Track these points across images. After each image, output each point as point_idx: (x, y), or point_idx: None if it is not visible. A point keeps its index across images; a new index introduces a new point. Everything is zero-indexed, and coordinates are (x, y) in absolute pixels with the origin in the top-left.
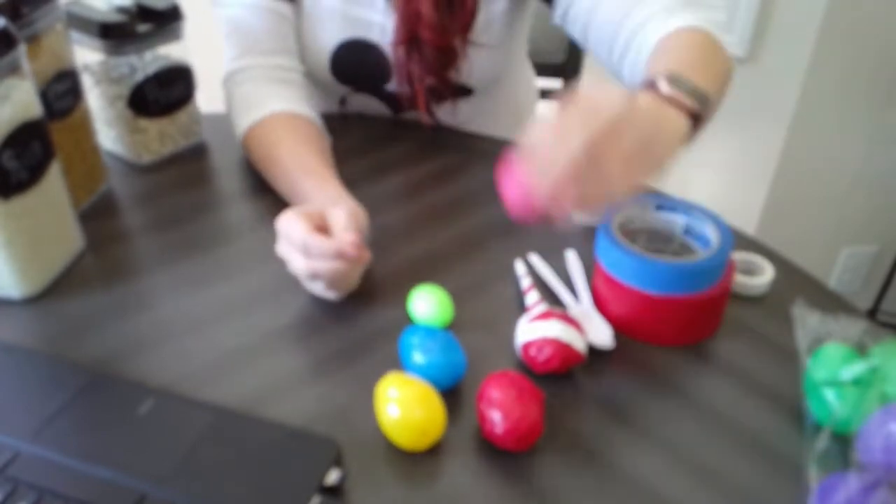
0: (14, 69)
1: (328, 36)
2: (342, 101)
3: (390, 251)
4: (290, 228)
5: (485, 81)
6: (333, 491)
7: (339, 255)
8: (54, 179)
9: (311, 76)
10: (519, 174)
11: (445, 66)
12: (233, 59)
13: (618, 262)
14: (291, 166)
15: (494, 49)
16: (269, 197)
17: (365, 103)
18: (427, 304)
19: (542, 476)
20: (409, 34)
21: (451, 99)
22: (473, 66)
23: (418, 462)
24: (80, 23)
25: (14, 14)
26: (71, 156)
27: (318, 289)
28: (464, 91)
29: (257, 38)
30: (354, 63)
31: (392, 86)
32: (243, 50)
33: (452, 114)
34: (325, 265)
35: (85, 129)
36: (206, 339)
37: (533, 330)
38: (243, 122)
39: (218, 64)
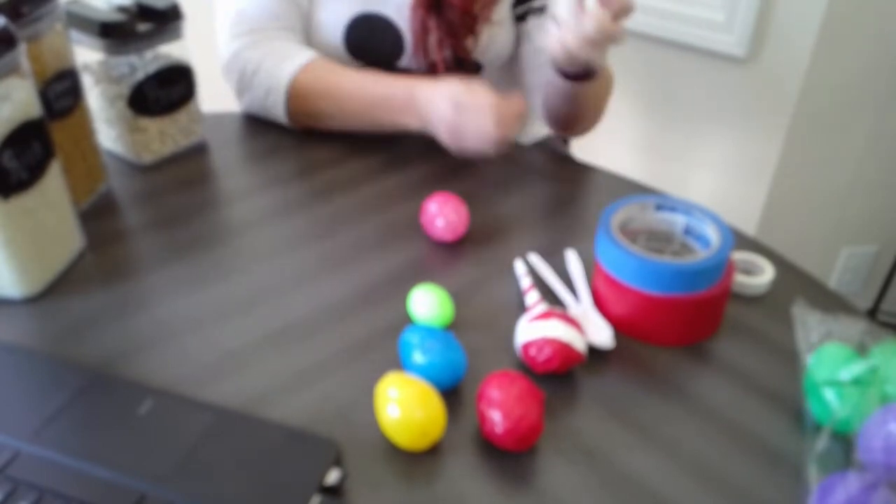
0: (14, 69)
1: (342, 10)
2: None
3: (390, 251)
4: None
5: (494, 58)
6: (333, 491)
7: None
8: (54, 179)
9: (322, 52)
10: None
11: (465, 32)
12: (236, 35)
13: (618, 262)
14: (368, 80)
15: (504, 26)
16: (269, 196)
17: None
18: (427, 304)
19: (542, 476)
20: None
21: (461, 75)
22: (486, 40)
23: (418, 462)
24: (80, 22)
25: (14, 14)
26: (71, 155)
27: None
28: (473, 67)
29: (263, 21)
30: (368, 37)
31: (404, 62)
32: (248, 29)
33: None
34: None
35: (85, 129)
36: (206, 339)
37: (533, 330)
38: (286, 68)
39: (218, 63)
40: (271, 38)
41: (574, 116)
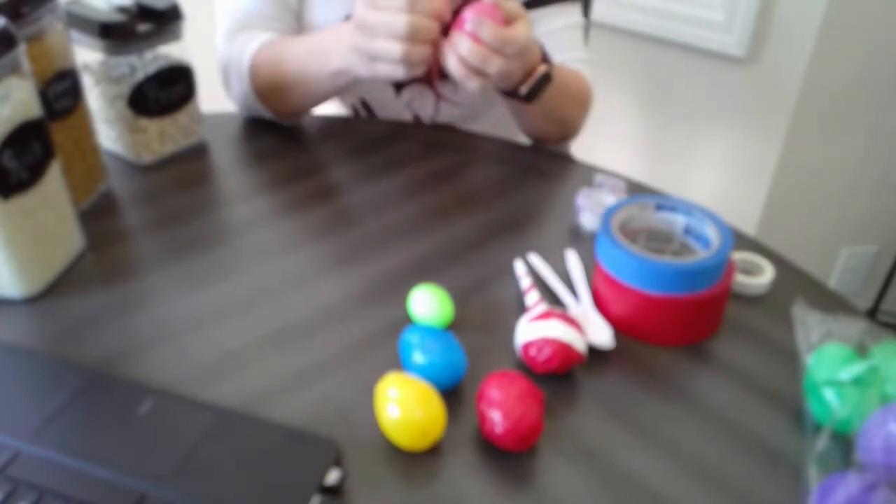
0: (14, 69)
1: (334, 11)
2: None
3: (390, 251)
4: None
5: None
6: (333, 491)
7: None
8: (54, 179)
9: None
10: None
11: None
12: (224, 36)
13: (618, 262)
14: (306, 36)
15: None
16: (269, 197)
17: (367, 84)
18: (427, 304)
19: (542, 476)
20: None
21: None
22: None
23: (418, 462)
24: (80, 23)
25: (14, 14)
26: (71, 156)
27: (386, 67)
28: None
29: (252, 22)
30: None
31: None
32: (237, 29)
33: (455, 90)
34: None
35: (85, 129)
36: (206, 339)
37: (533, 330)
38: (245, 54)
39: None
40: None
41: (531, 130)
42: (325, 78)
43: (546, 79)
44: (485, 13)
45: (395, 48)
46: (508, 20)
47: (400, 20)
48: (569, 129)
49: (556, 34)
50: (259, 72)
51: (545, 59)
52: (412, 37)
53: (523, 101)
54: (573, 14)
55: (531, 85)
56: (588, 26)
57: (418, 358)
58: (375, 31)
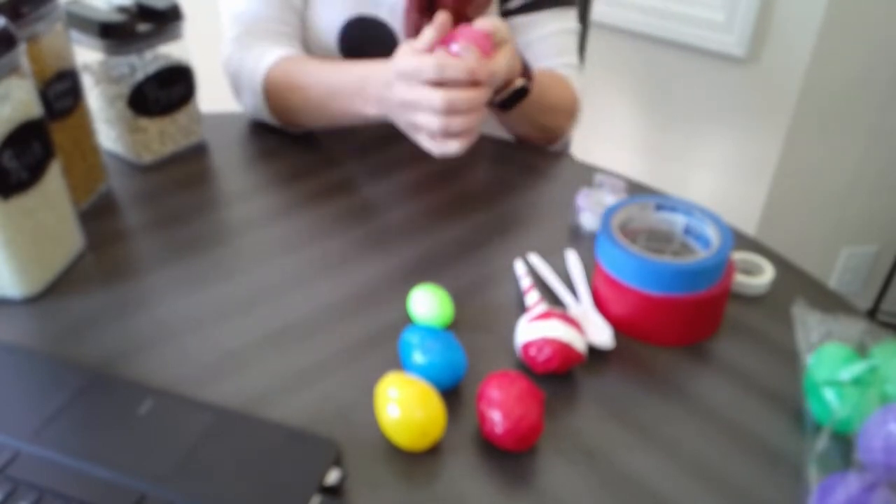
0: (14, 69)
1: (337, 12)
2: None
3: (390, 251)
4: (420, 58)
5: None
6: (333, 491)
7: (472, 74)
8: (54, 179)
9: (317, 53)
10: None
11: None
12: (231, 39)
13: (618, 262)
14: (327, 69)
15: None
16: (269, 197)
17: None
18: (427, 304)
19: (542, 476)
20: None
21: None
22: None
23: (418, 462)
24: (80, 22)
25: (14, 14)
26: (71, 156)
27: (433, 144)
28: None
29: (257, 23)
30: (362, 39)
31: None
32: (243, 32)
33: None
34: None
35: (85, 129)
36: (206, 339)
37: (533, 330)
38: (261, 67)
39: (218, 64)
40: (261, 40)
41: (512, 133)
42: (356, 117)
43: (522, 92)
44: (475, 41)
45: (434, 121)
46: (496, 47)
47: (435, 96)
48: (552, 135)
49: (549, 39)
50: (274, 92)
51: (526, 72)
52: (448, 110)
53: (498, 109)
54: (567, 20)
55: (505, 96)
56: (585, 32)
57: (418, 358)
58: (413, 106)
